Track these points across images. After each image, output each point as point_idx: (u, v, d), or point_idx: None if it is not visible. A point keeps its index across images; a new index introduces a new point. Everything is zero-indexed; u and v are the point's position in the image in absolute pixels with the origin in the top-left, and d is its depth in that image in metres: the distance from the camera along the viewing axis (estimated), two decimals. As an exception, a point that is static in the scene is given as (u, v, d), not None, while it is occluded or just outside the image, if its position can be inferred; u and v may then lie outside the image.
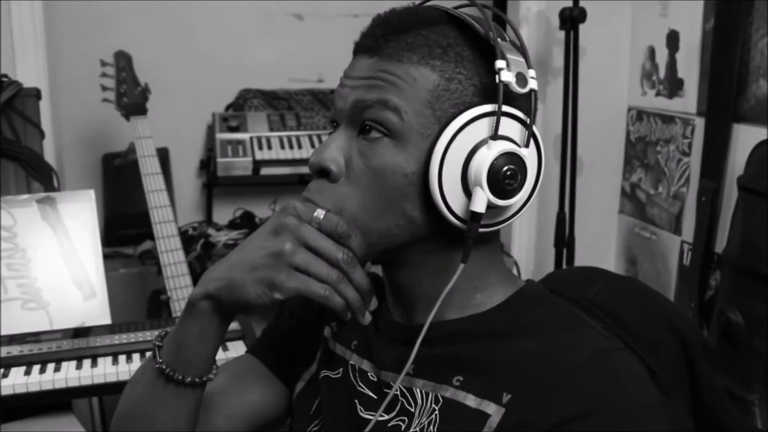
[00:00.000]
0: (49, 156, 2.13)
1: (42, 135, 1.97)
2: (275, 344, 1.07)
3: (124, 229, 2.59)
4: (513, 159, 0.77)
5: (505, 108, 0.77)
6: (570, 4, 2.25)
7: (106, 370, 1.63)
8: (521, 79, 0.77)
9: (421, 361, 0.81)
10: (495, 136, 0.77)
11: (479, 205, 0.77)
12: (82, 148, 2.63)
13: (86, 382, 1.61)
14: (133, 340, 1.74)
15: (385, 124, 0.79)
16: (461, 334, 0.83)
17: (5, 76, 1.93)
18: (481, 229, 0.79)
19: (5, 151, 1.88)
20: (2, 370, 1.61)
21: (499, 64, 0.76)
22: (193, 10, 2.72)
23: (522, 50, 0.80)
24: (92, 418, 2.31)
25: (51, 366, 1.64)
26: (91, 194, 1.94)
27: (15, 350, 1.67)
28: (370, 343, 0.92)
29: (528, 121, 0.79)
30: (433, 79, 0.79)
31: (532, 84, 0.78)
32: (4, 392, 1.56)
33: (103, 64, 2.17)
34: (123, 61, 2.19)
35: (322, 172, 0.82)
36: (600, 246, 2.67)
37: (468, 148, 0.77)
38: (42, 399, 1.61)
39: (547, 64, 2.52)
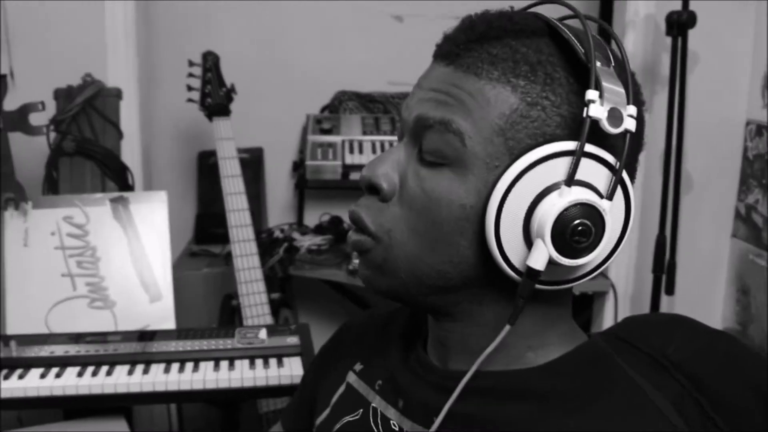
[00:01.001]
0: (132, 155, 2.15)
1: (120, 135, 1.98)
2: (297, 405, 1.02)
3: (214, 227, 2.58)
4: (588, 212, 0.65)
5: (592, 148, 0.65)
6: (679, 6, 2.02)
7: (168, 378, 1.60)
8: (615, 116, 0.64)
9: (449, 415, 0.72)
10: (570, 181, 0.64)
11: (538, 261, 0.65)
12: (178, 146, 2.66)
13: (147, 388, 1.59)
14: (197, 348, 1.70)
15: (444, 152, 0.69)
16: (497, 392, 0.72)
17: (89, 75, 1.95)
18: (540, 286, 0.68)
19: (83, 150, 1.90)
20: (57, 369, 1.61)
21: (590, 94, 0.64)
22: (293, 11, 2.69)
23: (626, 78, 0.68)
24: (170, 424, 2.31)
25: (115, 368, 1.62)
26: (164, 195, 1.94)
27: (82, 349, 1.68)
28: (398, 381, 0.82)
29: (617, 167, 0.66)
30: (512, 101, 0.67)
31: (628, 124, 0.64)
32: (61, 392, 1.56)
33: (191, 64, 2.16)
34: (210, 62, 2.17)
35: (373, 189, 0.74)
36: (707, 273, 2.43)
37: (537, 190, 0.66)
38: (101, 402, 1.61)
39: (656, 73, 2.31)
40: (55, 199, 1.89)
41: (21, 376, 1.58)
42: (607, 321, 2.30)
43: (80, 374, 1.60)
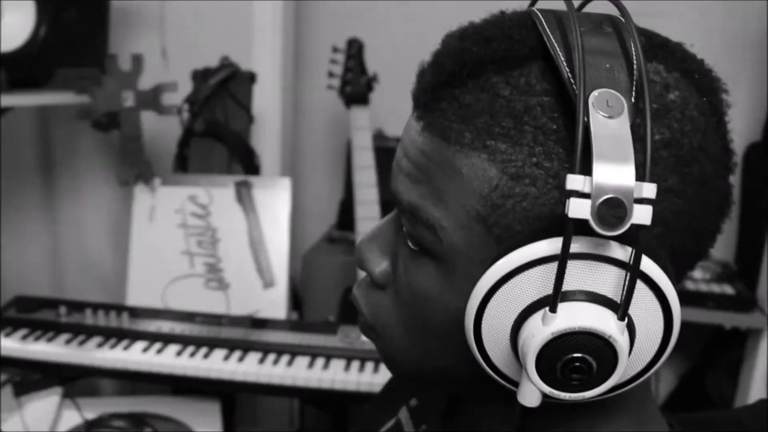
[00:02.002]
0: (269, 140, 2.16)
1: (250, 118, 1.99)
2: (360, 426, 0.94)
3: (356, 214, 2.57)
4: (586, 342, 0.47)
5: (596, 246, 0.47)
6: None
7: (260, 369, 1.59)
8: (611, 211, 0.44)
9: None
10: (554, 304, 0.47)
11: (527, 397, 0.50)
12: (329, 132, 2.65)
13: (239, 377, 1.59)
14: (297, 342, 1.68)
15: (422, 244, 0.54)
16: None
17: (226, 57, 1.98)
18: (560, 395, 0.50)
19: (212, 131, 1.92)
20: (160, 345, 1.65)
21: (571, 181, 0.45)
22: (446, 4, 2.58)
23: (669, 126, 0.48)
24: (290, 418, 2.33)
25: (213, 352, 1.64)
26: (287, 182, 1.93)
27: (186, 329, 1.71)
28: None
29: (631, 272, 0.46)
30: (491, 175, 0.49)
31: (639, 216, 0.44)
32: (157, 370, 1.59)
33: (335, 50, 2.13)
34: (354, 49, 2.13)
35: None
36: None
37: (520, 304, 0.49)
38: (199, 385, 1.62)
39: None
40: (183, 177, 1.93)
41: (126, 348, 1.63)
42: (761, 363, 1.99)
43: (179, 354, 1.62)
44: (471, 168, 0.50)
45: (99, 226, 2.34)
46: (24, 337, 1.63)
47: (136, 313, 1.75)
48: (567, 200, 0.45)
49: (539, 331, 0.47)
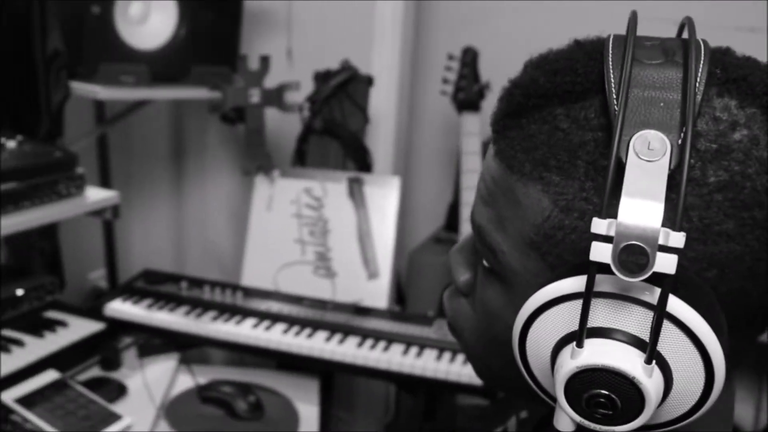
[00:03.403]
0: (383, 140, 2.26)
1: (366, 119, 2.10)
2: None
3: (465, 217, 2.64)
4: (609, 381, 0.48)
5: (623, 287, 0.47)
6: None
7: (357, 352, 1.70)
8: (631, 258, 0.45)
9: None
10: (579, 341, 0.48)
11: (561, 423, 0.52)
12: (444, 135, 2.73)
13: (338, 357, 1.69)
14: (394, 330, 1.77)
15: (489, 262, 0.57)
16: None
17: (346, 61, 2.10)
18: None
19: (329, 129, 2.05)
20: (268, 323, 1.78)
21: (596, 225, 0.45)
22: (559, 12, 2.61)
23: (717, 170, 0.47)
24: (386, 407, 2.42)
25: (317, 333, 1.76)
26: (397, 181, 2.02)
27: (293, 310, 1.83)
28: None
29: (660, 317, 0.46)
30: (544, 206, 0.51)
31: (662, 265, 0.44)
32: (264, 344, 1.71)
33: (450, 57, 2.22)
34: (469, 57, 2.21)
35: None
36: None
37: (556, 335, 0.50)
38: (301, 362, 1.74)
39: None
40: (300, 171, 2.06)
41: (238, 323, 1.77)
42: None
43: (285, 332, 1.74)
44: (528, 197, 0.51)
45: (220, 212, 2.51)
46: (149, 306, 1.80)
47: (249, 292, 1.89)
48: (591, 243, 0.45)
49: (567, 363, 0.48)
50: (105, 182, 2.20)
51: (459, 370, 1.64)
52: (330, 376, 1.88)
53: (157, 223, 2.54)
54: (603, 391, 0.47)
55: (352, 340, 1.73)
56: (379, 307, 1.91)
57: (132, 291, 1.85)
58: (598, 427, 0.49)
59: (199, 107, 2.05)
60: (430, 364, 1.65)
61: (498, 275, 0.56)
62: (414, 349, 1.71)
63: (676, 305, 0.46)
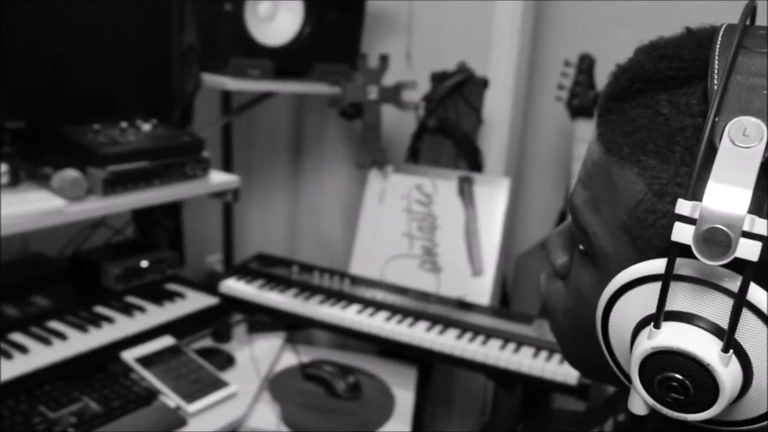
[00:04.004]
0: (496, 142, 2.29)
1: (479, 120, 2.13)
2: None
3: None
4: (682, 365, 0.48)
5: (703, 272, 0.47)
6: None
7: (456, 343, 1.72)
8: (713, 241, 0.45)
9: None
10: (656, 322, 0.49)
11: (635, 405, 0.53)
12: (560, 140, 2.72)
13: (437, 347, 1.72)
14: (493, 326, 1.79)
15: (582, 244, 0.58)
16: None
17: (463, 63, 2.14)
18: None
19: (443, 129, 2.10)
20: (372, 310, 1.83)
21: (680, 206, 0.46)
22: (679, 20, 2.55)
23: None
24: (483, 407, 2.43)
25: (418, 323, 1.80)
26: (506, 182, 2.05)
27: (397, 300, 1.88)
28: None
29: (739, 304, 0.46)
30: (638, 189, 0.51)
31: (745, 251, 0.44)
32: (367, 329, 1.77)
33: (566, 63, 2.22)
34: (585, 64, 2.20)
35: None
36: None
37: (636, 316, 0.51)
38: (402, 350, 1.78)
39: None
40: (413, 167, 2.12)
41: (343, 308, 1.84)
42: None
43: (388, 319, 1.80)
44: (624, 180, 0.51)
45: (334, 204, 2.61)
46: (261, 287, 1.90)
47: (356, 280, 1.96)
48: (674, 223, 0.46)
49: (643, 343, 0.49)
50: (227, 169, 2.33)
51: (555, 368, 1.64)
52: (428, 367, 1.92)
53: (274, 211, 2.66)
54: (676, 375, 0.48)
55: (452, 332, 1.76)
56: (483, 302, 1.93)
57: (246, 271, 1.96)
58: (669, 412, 0.49)
59: (320, 103, 2.15)
60: (526, 361, 1.66)
61: (590, 258, 0.57)
62: (511, 346, 1.72)
63: (757, 294, 0.45)
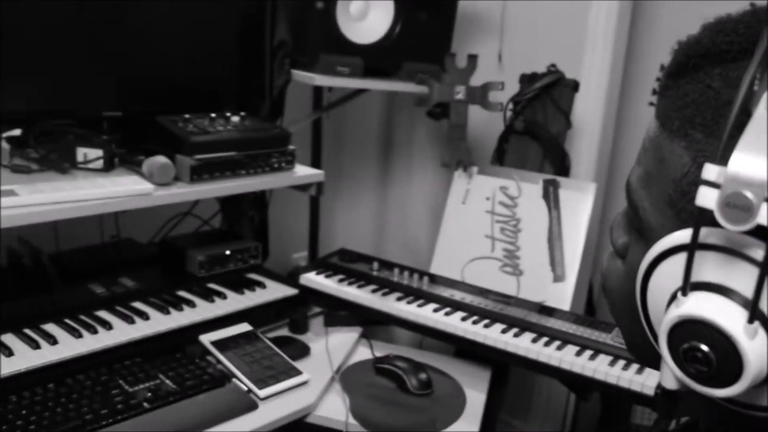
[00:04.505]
0: (587, 146, 2.23)
1: (568, 124, 2.09)
2: None
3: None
4: (706, 335, 0.47)
5: (730, 240, 0.47)
6: None
7: (530, 346, 1.68)
8: (736, 206, 0.44)
9: None
10: (685, 288, 0.49)
11: (666, 379, 0.52)
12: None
13: (511, 349, 1.69)
14: (570, 330, 1.74)
15: (633, 218, 0.59)
16: None
17: (553, 65, 2.11)
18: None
19: (530, 131, 2.07)
20: (448, 309, 1.82)
21: (707, 171, 0.46)
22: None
23: None
24: (563, 419, 2.37)
25: (494, 325, 1.77)
26: (593, 188, 2.00)
27: (475, 300, 1.86)
28: None
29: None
30: (684, 162, 0.51)
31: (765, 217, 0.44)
32: (442, 327, 1.76)
33: (662, 68, 2.15)
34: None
35: None
36: None
37: (669, 288, 0.51)
38: (479, 350, 1.75)
39: None
40: (498, 169, 2.10)
41: (420, 305, 1.83)
42: None
43: (464, 319, 1.78)
44: (672, 154, 0.52)
45: (421, 204, 2.61)
46: (340, 281, 1.91)
47: (435, 279, 1.95)
48: (697, 187, 0.46)
49: (671, 312, 0.49)
50: (316, 166, 2.36)
51: (631, 377, 1.58)
52: (503, 370, 1.89)
53: (361, 211, 2.68)
54: (700, 345, 0.47)
55: (528, 336, 1.73)
56: (563, 308, 1.89)
57: (327, 266, 1.98)
58: (695, 385, 0.49)
59: (409, 103, 2.16)
60: (601, 367, 1.61)
61: (642, 234, 0.57)
62: (588, 352, 1.67)
63: None
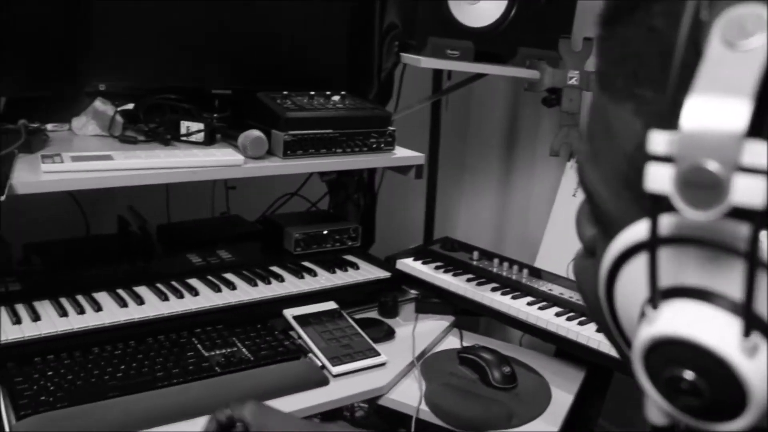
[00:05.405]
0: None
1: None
2: None
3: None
4: (688, 357, 0.36)
5: (699, 227, 0.36)
6: None
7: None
8: (699, 186, 0.33)
9: None
10: (654, 299, 0.38)
11: (651, 412, 0.42)
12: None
13: (582, 340, 1.57)
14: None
15: (591, 208, 0.49)
16: None
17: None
18: None
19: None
20: (530, 298, 1.73)
21: (654, 140, 0.35)
22: None
23: None
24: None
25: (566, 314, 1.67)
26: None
27: (566, 293, 1.76)
28: None
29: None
30: (636, 129, 0.40)
31: (745, 193, 0.32)
32: (514, 314, 1.68)
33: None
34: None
35: None
36: None
37: (639, 297, 0.40)
38: (577, 351, 1.64)
39: None
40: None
41: (514, 297, 1.75)
42: None
43: (558, 314, 1.68)
44: (619, 121, 0.41)
45: (544, 202, 2.50)
46: (436, 268, 1.87)
47: (536, 273, 1.86)
48: (645, 165, 0.35)
49: (642, 332, 0.38)
50: (433, 156, 2.33)
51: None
52: (603, 373, 1.76)
53: (481, 204, 2.61)
54: (683, 373, 0.36)
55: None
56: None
57: (426, 253, 1.94)
58: (689, 420, 0.38)
59: (534, 96, 2.07)
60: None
61: (604, 227, 0.46)
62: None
63: None
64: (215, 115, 1.72)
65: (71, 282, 1.55)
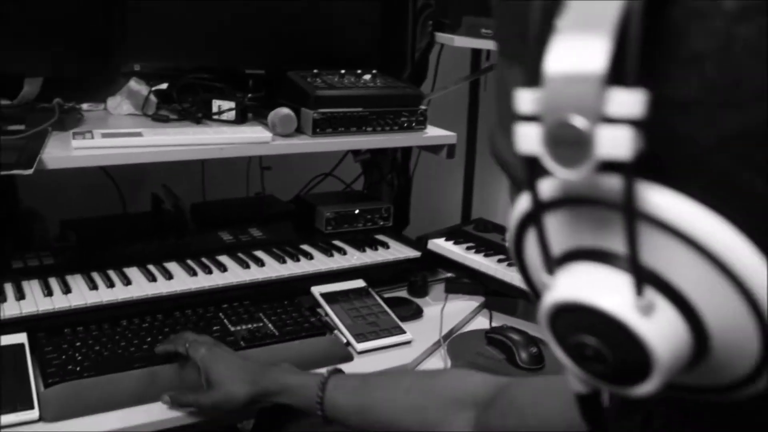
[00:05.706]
0: None
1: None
2: None
3: None
4: (586, 322, 0.35)
5: (579, 185, 0.35)
6: None
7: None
8: (566, 136, 0.31)
9: None
10: (549, 265, 0.38)
11: (574, 383, 0.42)
12: None
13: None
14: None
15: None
16: None
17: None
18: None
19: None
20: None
21: (518, 98, 0.34)
22: None
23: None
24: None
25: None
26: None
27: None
28: None
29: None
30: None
31: (612, 146, 0.30)
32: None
33: None
34: None
35: None
36: None
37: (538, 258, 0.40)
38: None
39: None
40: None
41: (546, 279, 1.72)
42: None
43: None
44: (513, 85, 0.37)
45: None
46: (468, 248, 1.85)
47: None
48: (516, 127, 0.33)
49: (544, 300, 0.37)
50: (471, 141, 2.31)
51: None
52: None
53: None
54: (585, 338, 0.35)
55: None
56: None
57: (458, 234, 1.93)
58: (603, 385, 0.37)
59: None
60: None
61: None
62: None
63: (659, 201, 0.32)
64: (249, 95, 1.73)
65: (103, 257, 1.58)
